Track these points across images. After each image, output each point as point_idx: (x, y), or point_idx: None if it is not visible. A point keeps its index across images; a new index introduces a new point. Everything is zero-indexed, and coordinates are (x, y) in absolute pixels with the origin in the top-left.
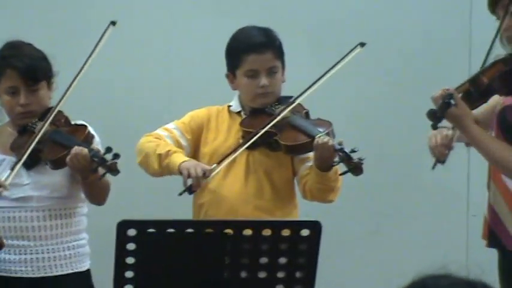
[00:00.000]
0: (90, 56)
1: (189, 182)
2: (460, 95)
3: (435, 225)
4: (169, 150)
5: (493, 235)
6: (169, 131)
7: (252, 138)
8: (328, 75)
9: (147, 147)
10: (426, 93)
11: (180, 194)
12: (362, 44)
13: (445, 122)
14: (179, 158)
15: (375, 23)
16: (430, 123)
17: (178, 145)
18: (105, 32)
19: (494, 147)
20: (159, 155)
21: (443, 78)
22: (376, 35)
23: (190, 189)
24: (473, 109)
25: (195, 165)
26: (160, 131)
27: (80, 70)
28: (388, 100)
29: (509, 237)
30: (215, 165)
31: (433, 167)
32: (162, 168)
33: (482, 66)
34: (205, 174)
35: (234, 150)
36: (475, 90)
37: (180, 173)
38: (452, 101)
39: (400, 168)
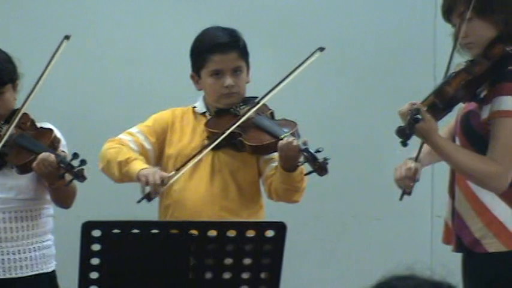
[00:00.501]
0: (45, 70)
1: (147, 189)
2: (426, 108)
3: (400, 225)
4: (128, 158)
5: (459, 240)
6: (133, 135)
7: (217, 139)
8: (287, 80)
9: (108, 153)
10: (391, 94)
11: (139, 201)
12: (321, 49)
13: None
14: (138, 166)
15: (340, 24)
16: (400, 140)
17: (143, 149)
18: (59, 46)
19: (462, 158)
20: (119, 162)
21: (408, 79)
22: (340, 36)
23: (148, 197)
24: (439, 120)
25: (153, 173)
26: (123, 136)
27: (37, 82)
28: (354, 100)
29: (475, 240)
30: (173, 172)
31: (401, 198)
32: (122, 175)
33: (445, 75)
34: (163, 182)
35: (199, 152)
36: (440, 102)
37: (139, 180)
38: (419, 116)
39: (365, 169)
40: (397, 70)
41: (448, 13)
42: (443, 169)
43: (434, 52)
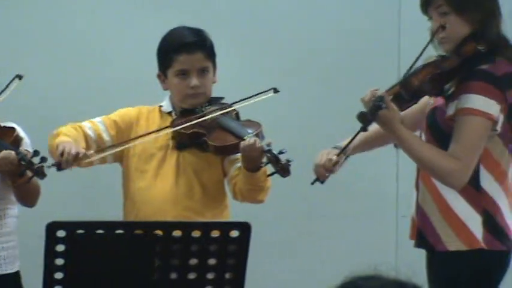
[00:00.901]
0: None
1: (61, 159)
2: (391, 97)
3: (365, 226)
4: (60, 132)
5: (421, 235)
6: (93, 124)
7: (162, 130)
8: (235, 106)
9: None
10: (355, 94)
11: (48, 167)
12: (275, 90)
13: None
14: (62, 138)
15: (305, 25)
16: (360, 125)
17: (100, 138)
18: (9, 83)
19: (423, 151)
20: (51, 135)
21: (372, 81)
22: (305, 37)
23: (59, 166)
24: (403, 111)
25: (70, 145)
26: (84, 122)
27: None
28: (318, 101)
29: (437, 238)
30: (92, 152)
31: (312, 183)
32: (50, 147)
33: (412, 67)
34: (78, 155)
35: (141, 136)
36: (406, 93)
37: (57, 149)
38: (382, 104)
39: None
40: (361, 71)
41: (426, 5)
42: (408, 169)
43: (398, 54)
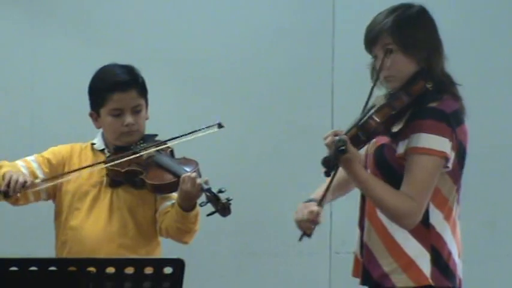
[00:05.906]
0: None
1: (7, 188)
2: (349, 139)
3: (298, 262)
4: (3, 164)
5: (366, 273)
6: (27, 162)
7: (113, 161)
8: (179, 140)
9: None
10: (287, 132)
11: None
12: (220, 126)
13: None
14: (9, 168)
15: (240, 61)
16: (324, 170)
17: (34, 176)
18: None
19: (382, 193)
20: None
21: (306, 116)
22: (239, 71)
23: (6, 194)
24: (358, 150)
25: (18, 173)
26: (17, 161)
27: None
28: (252, 137)
29: (383, 274)
30: (39, 180)
31: (300, 239)
32: None
33: (364, 107)
34: (26, 183)
35: (77, 170)
36: (363, 134)
37: (3, 179)
38: (344, 148)
39: (263, 206)
40: (295, 107)
41: (371, 44)
42: (342, 206)
43: (332, 87)
